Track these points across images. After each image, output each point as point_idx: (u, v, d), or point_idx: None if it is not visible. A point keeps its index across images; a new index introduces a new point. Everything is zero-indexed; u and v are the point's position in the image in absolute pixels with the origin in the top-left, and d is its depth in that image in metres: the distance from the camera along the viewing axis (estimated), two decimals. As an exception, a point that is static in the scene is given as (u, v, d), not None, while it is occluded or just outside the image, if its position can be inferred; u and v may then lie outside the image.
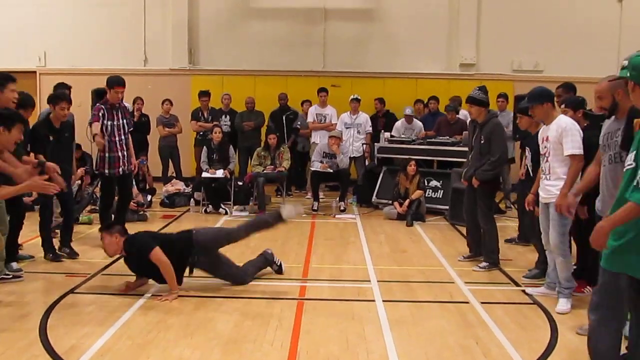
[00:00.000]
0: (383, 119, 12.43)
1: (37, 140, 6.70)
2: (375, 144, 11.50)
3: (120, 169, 7.62)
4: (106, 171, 7.57)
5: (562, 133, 5.33)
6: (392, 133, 11.49)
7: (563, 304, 5.41)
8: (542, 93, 5.59)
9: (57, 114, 6.97)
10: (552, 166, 5.46)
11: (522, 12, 13.60)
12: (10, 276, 5.98)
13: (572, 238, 5.81)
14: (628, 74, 3.38)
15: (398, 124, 11.81)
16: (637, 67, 3.35)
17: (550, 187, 5.46)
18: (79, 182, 9.12)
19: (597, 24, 13.34)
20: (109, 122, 7.50)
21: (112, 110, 7.55)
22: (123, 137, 7.66)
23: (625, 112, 4.32)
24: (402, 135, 11.38)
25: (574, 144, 5.27)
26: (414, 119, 11.82)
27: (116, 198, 8.07)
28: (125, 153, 7.66)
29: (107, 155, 7.52)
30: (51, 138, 6.89)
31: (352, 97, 11.76)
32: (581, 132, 5.37)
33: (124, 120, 7.70)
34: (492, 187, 6.90)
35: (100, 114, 7.45)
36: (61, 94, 7.25)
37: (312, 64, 13.83)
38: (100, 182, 8.02)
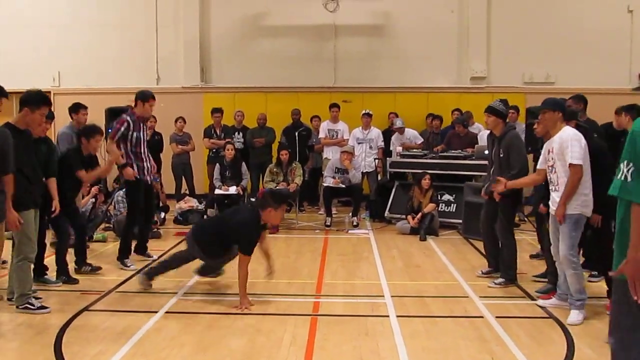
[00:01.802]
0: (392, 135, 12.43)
1: (68, 168, 6.84)
2: (388, 158, 11.50)
3: (148, 179, 7.71)
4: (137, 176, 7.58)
5: (563, 144, 5.40)
6: (392, 147, 11.74)
7: (574, 316, 5.37)
8: (557, 102, 5.66)
9: (91, 146, 7.12)
10: (559, 177, 5.48)
11: (532, 24, 13.61)
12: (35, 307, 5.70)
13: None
14: None
15: (393, 137, 11.96)
16: None
17: (559, 199, 5.46)
18: (93, 200, 9.17)
19: (607, 34, 13.32)
20: (135, 134, 7.56)
21: (139, 122, 7.64)
22: (146, 149, 7.76)
23: None
24: (398, 147, 11.47)
25: (573, 154, 5.33)
26: (406, 129, 11.94)
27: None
28: (147, 165, 7.74)
29: (135, 163, 7.58)
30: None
31: (363, 112, 11.81)
32: (583, 142, 5.39)
33: (145, 134, 7.84)
34: (513, 201, 6.77)
35: (123, 128, 7.48)
36: (94, 128, 7.35)
37: (323, 80, 13.90)
38: (126, 192, 8.00)
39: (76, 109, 8.66)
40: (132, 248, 7.74)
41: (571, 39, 13.45)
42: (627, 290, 2.80)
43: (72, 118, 8.71)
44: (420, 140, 11.98)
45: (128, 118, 7.56)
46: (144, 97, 7.66)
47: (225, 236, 6.00)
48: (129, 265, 7.47)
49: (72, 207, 7.05)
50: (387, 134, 12.26)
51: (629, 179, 2.80)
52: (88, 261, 7.25)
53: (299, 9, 13.83)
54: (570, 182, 5.34)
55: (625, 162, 2.82)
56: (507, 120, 6.95)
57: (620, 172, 2.83)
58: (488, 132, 7.24)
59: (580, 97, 7.19)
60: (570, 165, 5.33)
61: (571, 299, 5.46)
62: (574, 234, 5.40)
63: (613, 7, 13.53)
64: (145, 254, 7.97)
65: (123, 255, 7.56)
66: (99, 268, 7.24)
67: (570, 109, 6.22)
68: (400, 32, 13.93)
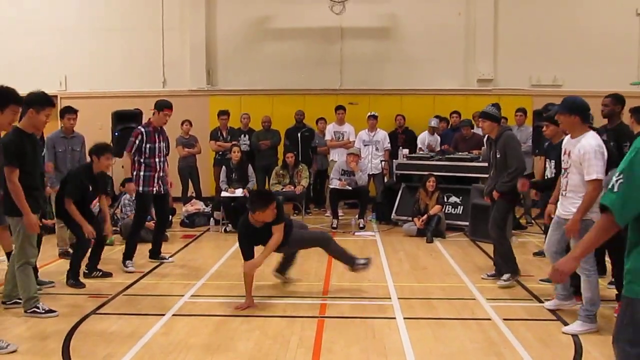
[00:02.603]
0: (403, 136, 12.45)
1: (77, 189, 6.89)
2: (394, 160, 11.50)
3: (154, 189, 7.75)
4: (140, 189, 7.69)
5: (584, 155, 5.10)
6: (419, 145, 11.87)
7: (575, 327, 5.20)
8: (574, 105, 5.31)
9: (102, 165, 7.14)
10: (571, 184, 5.32)
11: (540, 26, 13.56)
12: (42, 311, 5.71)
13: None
14: None
15: (422, 135, 12.13)
16: None
17: (569, 205, 5.33)
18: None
19: (615, 37, 13.25)
20: (148, 145, 7.66)
21: (154, 133, 7.72)
22: (162, 159, 7.84)
23: None
24: (424, 149, 11.58)
25: (594, 169, 5.02)
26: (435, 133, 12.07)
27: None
28: (161, 174, 7.81)
29: (142, 174, 7.66)
30: (90, 188, 7.07)
31: (369, 114, 11.81)
32: (605, 154, 5.13)
33: (163, 144, 7.89)
34: (509, 199, 6.87)
35: (138, 140, 7.61)
36: (105, 146, 7.35)
37: (329, 83, 13.90)
38: (136, 201, 8.16)
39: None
40: (134, 253, 7.76)
41: (578, 41, 13.40)
42: (629, 305, 2.75)
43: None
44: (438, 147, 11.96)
45: (142, 130, 7.70)
46: (159, 106, 7.79)
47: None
48: (128, 267, 7.56)
49: (90, 213, 7.17)
50: (394, 136, 12.26)
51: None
52: (98, 267, 7.26)
53: (305, 11, 13.82)
54: (588, 197, 5.03)
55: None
56: (502, 123, 7.07)
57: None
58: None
59: (619, 97, 6.89)
60: (590, 181, 5.04)
61: (581, 309, 5.29)
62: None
63: (621, 10, 13.47)
64: (159, 258, 8.08)
65: (125, 257, 7.66)
66: (110, 274, 7.25)
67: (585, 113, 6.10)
68: (406, 35, 13.92)
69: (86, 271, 7.12)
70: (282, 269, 6.83)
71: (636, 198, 2.66)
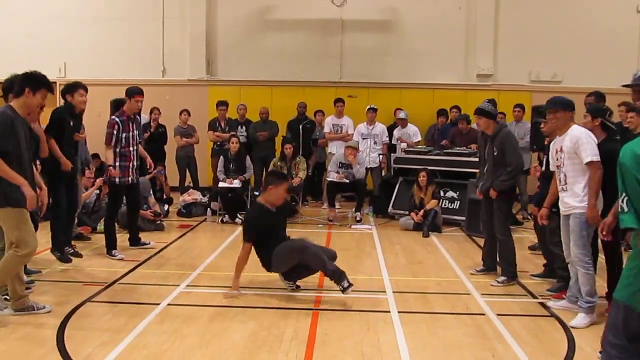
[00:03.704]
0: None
1: (58, 123, 6.95)
2: (392, 154, 11.49)
3: (130, 179, 7.78)
4: (116, 179, 7.69)
5: (576, 142, 5.31)
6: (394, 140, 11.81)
7: (580, 319, 5.32)
8: (564, 101, 5.60)
9: (76, 101, 7.16)
10: (568, 176, 5.42)
11: (540, 22, 13.55)
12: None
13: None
14: None
15: (395, 131, 12.00)
16: None
17: (568, 199, 5.42)
18: (97, 191, 9.20)
19: (615, 33, 13.25)
20: (124, 135, 7.66)
21: (128, 122, 7.72)
22: (135, 147, 7.84)
23: None
24: (403, 144, 11.51)
25: (591, 151, 5.24)
26: (409, 124, 11.95)
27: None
28: (135, 163, 7.84)
29: (117, 164, 7.67)
30: (72, 123, 7.11)
31: (368, 107, 11.78)
32: (595, 140, 5.34)
33: (137, 132, 7.89)
34: (509, 197, 6.87)
35: (115, 131, 7.62)
36: (77, 83, 7.37)
37: (328, 75, 13.88)
38: (108, 192, 8.16)
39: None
40: (116, 241, 7.80)
41: (579, 38, 13.40)
42: (616, 310, 2.92)
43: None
44: (418, 138, 11.91)
45: (117, 119, 7.68)
46: (130, 93, 7.78)
47: None
48: (116, 255, 7.59)
49: (73, 181, 7.24)
50: (392, 130, 12.24)
51: (625, 209, 2.87)
52: (85, 254, 7.33)
53: (306, 3, 13.79)
54: (592, 180, 5.23)
55: (620, 194, 2.91)
56: (499, 119, 7.03)
57: (621, 206, 2.91)
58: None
59: (599, 94, 6.99)
60: (589, 163, 5.23)
61: (581, 301, 5.39)
62: (584, 234, 5.33)
63: (621, 7, 13.47)
64: (140, 244, 8.13)
65: (109, 248, 7.69)
66: (80, 255, 7.30)
67: (597, 105, 6.15)
68: (407, 28, 13.89)
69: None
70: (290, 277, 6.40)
71: None
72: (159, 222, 9.56)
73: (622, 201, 2.88)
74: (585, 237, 5.36)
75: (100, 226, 9.14)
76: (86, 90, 7.30)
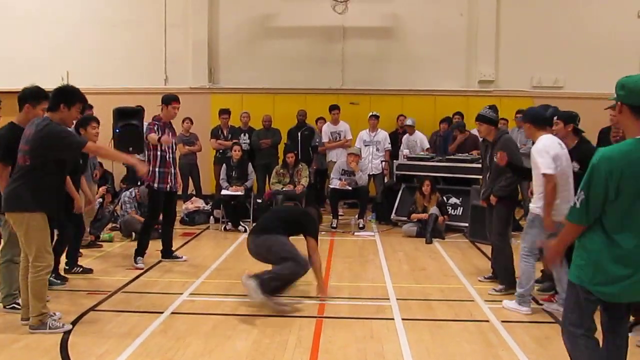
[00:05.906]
0: (403, 136, 12.41)
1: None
2: (394, 161, 11.49)
3: (168, 186, 7.72)
4: (155, 185, 7.62)
5: (534, 154, 5.63)
6: (401, 147, 11.73)
7: (510, 304, 5.86)
8: (528, 112, 6.10)
9: (89, 135, 6.98)
10: (535, 184, 5.76)
11: (542, 28, 13.57)
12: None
13: None
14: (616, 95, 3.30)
15: (404, 137, 11.97)
16: (625, 87, 3.24)
17: (532, 204, 5.82)
18: (100, 200, 9.21)
19: (617, 39, 13.26)
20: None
21: (165, 127, 7.72)
22: (172, 154, 7.81)
23: None
24: (405, 150, 11.50)
25: (542, 164, 5.50)
26: (416, 131, 11.93)
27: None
28: (173, 170, 7.78)
29: (157, 170, 7.61)
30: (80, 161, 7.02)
31: (371, 114, 11.78)
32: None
33: (174, 139, 7.89)
34: (509, 203, 6.83)
35: (156, 128, 7.60)
36: (89, 116, 7.39)
37: (330, 82, 13.91)
38: (148, 196, 8.04)
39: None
40: (146, 250, 7.70)
41: (580, 43, 13.41)
42: (574, 289, 3.40)
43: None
44: (426, 145, 11.91)
45: (157, 123, 7.67)
46: (167, 100, 7.77)
47: None
48: (138, 263, 7.51)
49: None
50: (394, 137, 12.25)
51: (577, 205, 3.25)
52: (88, 263, 7.26)
53: (308, 10, 13.82)
54: (545, 191, 5.53)
55: (579, 190, 3.25)
56: (501, 125, 7.15)
57: (574, 199, 3.30)
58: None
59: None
60: (543, 175, 5.50)
61: (559, 298, 5.74)
62: (528, 231, 5.80)
63: (623, 12, 13.49)
64: (172, 257, 8.00)
65: (137, 253, 7.61)
66: (90, 270, 7.22)
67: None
68: (408, 35, 13.92)
69: (66, 267, 7.10)
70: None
71: (595, 209, 3.21)
72: (161, 230, 9.53)
73: (578, 199, 3.23)
74: (529, 235, 5.79)
75: (104, 234, 9.18)
76: (98, 123, 7.30)
